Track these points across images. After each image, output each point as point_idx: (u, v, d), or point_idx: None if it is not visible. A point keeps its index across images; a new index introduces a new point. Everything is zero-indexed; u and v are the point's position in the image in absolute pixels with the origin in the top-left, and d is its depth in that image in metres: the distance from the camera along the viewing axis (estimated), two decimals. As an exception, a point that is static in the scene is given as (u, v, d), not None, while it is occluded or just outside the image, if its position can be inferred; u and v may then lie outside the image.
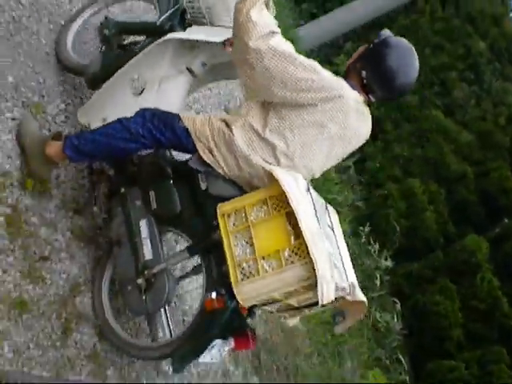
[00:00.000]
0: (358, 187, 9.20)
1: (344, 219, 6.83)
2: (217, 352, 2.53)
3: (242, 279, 2.28)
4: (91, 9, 3.24)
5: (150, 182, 2.67)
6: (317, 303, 2.28)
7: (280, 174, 2.32)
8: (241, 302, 2.30)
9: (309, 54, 7.45)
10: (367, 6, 10.12)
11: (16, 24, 2.89)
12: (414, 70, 2.50)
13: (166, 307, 2.72)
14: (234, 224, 2.36)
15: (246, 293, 2.27)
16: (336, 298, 2.30)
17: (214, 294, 2.44)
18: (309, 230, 2.22)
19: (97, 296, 2.74)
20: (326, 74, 2.44)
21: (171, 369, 2.62)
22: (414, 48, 2.50)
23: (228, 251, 2.34)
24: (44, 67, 2.99)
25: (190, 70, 2.85)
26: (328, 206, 2.62)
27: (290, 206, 2.23)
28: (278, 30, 2.41)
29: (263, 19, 2.37)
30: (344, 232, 2.72)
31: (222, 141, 2.46)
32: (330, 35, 10.28)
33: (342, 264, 2.44)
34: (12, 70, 2.75)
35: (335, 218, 2.65)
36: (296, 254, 2.23)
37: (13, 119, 2.66)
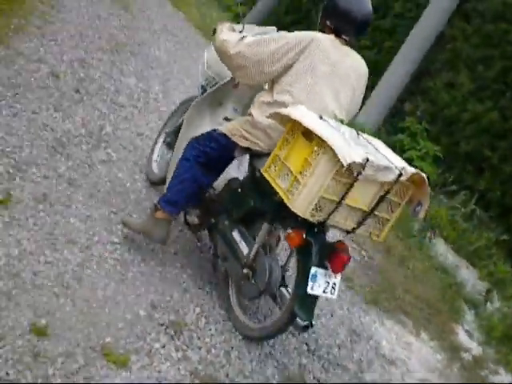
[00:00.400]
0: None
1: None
2: (324, 283, 2.86)
3: (293, 196, 2.71)
4: (161, 135, 4.23)
5: (227, 202, 3.36)
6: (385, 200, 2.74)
7: (284, 110, 2.82)
8: (301, 215, 2.68)
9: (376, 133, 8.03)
10: (406, 63, 10.14)
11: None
12: (365, 2, 3.12)
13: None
14: (274, 170, 2.86)
15: (300, 204, 2.67)
16: (395, 187, 2.74)
17: (289, 230, 2.91)
18: (315, 124, 2.65)
19: (227, 304, 3.37)
20: (295, 33, 3.09)
21: (302, 321, 2.97)
22: None
23: (279, 190, 2.81)
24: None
25: (226, 119, 3.63)
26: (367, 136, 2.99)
27: (303, 126, 2.67)
28: (247, 34, 3.18)
29: (231, 35, 3.18)
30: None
31: (248, 125, 3.10)
32: (386, 109, 10.33)
33: (386, 157, 2.76)
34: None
35: (376, 141, 3.00)
36: (317, 151, 2.63)
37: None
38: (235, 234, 3.25)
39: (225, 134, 3.19)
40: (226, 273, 3.43)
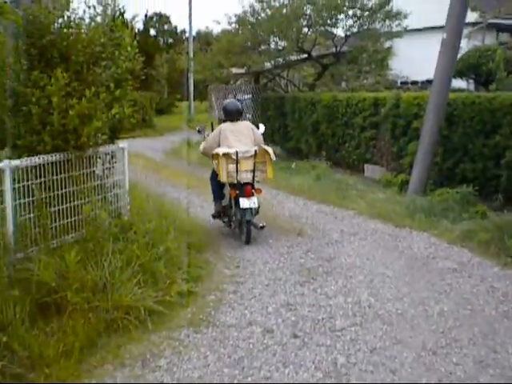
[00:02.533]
0: None
1: None
2: (246, 202, 7.26)
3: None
4: None
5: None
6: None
7: (215, 150, 7.70)
8: (224, 182, 7.58)
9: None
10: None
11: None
12: (233, 105, 7.99)
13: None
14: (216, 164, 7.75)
15: (222, 177, 7.48)
16: (258, 157, 7.48)
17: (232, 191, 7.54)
18: (218, 151, 7.54)
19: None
20: (216, 131, 7.90)
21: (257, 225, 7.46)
22: (233, 100, 9.47)
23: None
24: None
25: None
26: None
27: (216, 154, 7.64)
28: (206, 140, 8.09)
29: (201, 147, 8.14)
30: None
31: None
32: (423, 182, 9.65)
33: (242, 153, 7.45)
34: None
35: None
36: (218, 158, 7.56)
37: None
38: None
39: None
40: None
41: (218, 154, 7.39)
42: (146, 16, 31.48)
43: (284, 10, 14.14)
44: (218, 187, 7.93)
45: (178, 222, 8.04)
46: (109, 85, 5.97)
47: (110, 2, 22.66)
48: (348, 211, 9.28)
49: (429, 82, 15.33)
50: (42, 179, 5.52)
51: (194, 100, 28.72)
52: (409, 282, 5.99)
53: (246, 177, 7.30)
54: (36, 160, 5.44)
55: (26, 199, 5.35)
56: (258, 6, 14.65)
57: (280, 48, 14.50)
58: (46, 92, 5.53)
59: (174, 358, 4.44)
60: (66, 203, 5.75)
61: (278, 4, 14.51)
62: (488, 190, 8.74)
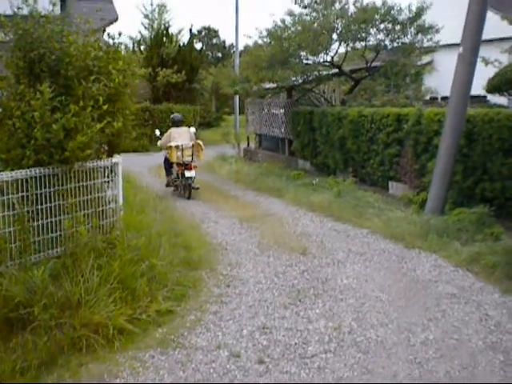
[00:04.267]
0: None
1: None
2: (188, 173, 12.08)
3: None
4: None
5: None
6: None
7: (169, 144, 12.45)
8: (174, 161, 12.38)
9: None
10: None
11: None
12: (178, 118, 13.02)
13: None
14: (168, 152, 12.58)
15: (172, 158, 12.32)
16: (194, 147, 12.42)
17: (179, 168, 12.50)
18: (170, 144, 12.34)
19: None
20: (167, 132, 12.74)
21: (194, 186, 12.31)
22: (178, 114, 13.86)
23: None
24: None
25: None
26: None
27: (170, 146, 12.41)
28: (162, 138, 12.95)
29: (159, 143, 13.10)
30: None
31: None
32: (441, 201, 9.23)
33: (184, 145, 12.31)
34: None
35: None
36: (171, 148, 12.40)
37: None
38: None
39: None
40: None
41: (171, 146, 12.15)
42: (190, 30, 31.69)
43: (315, 24, 13.97)
44: (169, 167, 12.85)
45: (183, 238, 8.01)
46: (98, 99, 5.94)
47: (156, 16, 23.00)
48: (362, 230, 8.99)
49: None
50: (25, 193, 5.53)
51: (240, 114, 28.75)
52: (401, 307, 5.70)
53: (187, 159, 12.16)
54: (18, 174, 5.46)
55: (6, 213, 5.36)
56: (289, 19, 14.54)
57: (309, 62, 14.30)
58: (31, 106, 5.56)
59: (129, 378, 4.34)
60: (50, 218, 5.74)
61: (309, 18, 14.36)
62: (508, 210, 8.31)
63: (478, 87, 16.33)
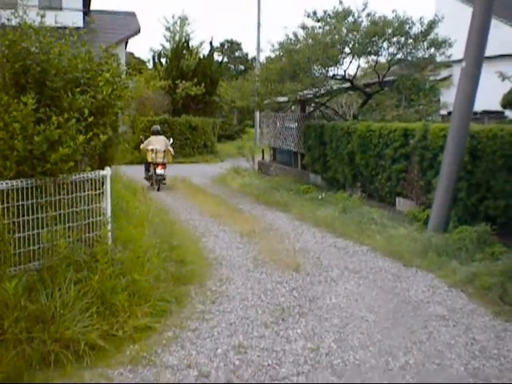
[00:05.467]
0: None
1: None
2: (159, 170, 15.62)
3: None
4: None
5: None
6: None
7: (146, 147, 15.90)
8: (150, 161, 15.87)
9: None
10: None
11: None
12: (156, 129, 16.63)
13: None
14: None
15: (148, 159, 15.89)
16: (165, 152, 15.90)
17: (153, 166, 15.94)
18: (147, 148, 15.87)
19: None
20: (147, 140, 16.10)
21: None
22: (157, 125, 17.54)
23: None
24: None
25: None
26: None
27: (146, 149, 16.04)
28: (144, 144, 16.11)
29: (141, 146, 16.18)
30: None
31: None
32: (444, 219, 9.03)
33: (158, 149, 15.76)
34: None
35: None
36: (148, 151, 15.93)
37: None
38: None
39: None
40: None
41: (147, 149, 15.55)
42: (210, 43, 31.89)
43: (327, 38, 13.86)
44: (147, 166, 15.99)
45: (178, 252, 7.93)
46: (83, 111, 5.91)
47: (178, 29, 23.26)
48: (362, 247, 8.81)
49: (485, 112, 14.64)
50: (5, 205, 5.50)
51: (261, 126, 28.71)
52: (386, 328, 5.52)
53: (160, 160, 15.51)
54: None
55: (-15, 224, 5.33)
56: (301, 32, 14.49)
57: (320, 76, 14.17)
58: (15, 117, 5.54)
59: (92, 397, 4.24)
60: (32, 230, 5.70)
61: (321, 31, 14.26)
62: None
63: (495, 103, 16.11)
